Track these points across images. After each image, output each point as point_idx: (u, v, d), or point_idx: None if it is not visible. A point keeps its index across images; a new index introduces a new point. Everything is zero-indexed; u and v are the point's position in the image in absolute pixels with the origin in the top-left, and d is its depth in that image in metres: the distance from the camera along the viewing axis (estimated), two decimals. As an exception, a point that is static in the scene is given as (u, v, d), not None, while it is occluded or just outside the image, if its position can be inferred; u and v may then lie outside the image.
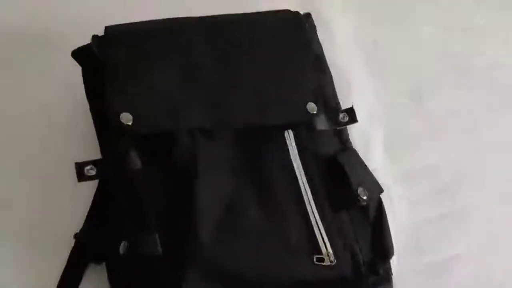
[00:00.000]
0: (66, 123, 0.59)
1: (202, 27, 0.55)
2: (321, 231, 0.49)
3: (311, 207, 0.50)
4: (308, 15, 0.60)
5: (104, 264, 0.50)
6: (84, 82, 0.54)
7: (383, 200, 0.54)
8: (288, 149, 0.52)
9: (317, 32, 0.60)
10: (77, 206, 0.53)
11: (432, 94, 0.68)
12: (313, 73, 0.57)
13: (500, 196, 0.63)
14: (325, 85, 0.58)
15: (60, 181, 0.55)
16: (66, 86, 0.60)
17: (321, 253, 0.48)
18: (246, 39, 0.55)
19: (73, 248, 0.52)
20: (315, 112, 0.53)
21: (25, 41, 0.65)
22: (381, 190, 0.54)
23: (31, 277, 0.52)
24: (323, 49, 0.60)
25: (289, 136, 0.53)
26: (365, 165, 0.55)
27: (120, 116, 0.48)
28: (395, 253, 0.52)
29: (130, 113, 0.48)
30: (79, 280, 0.52)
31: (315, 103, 0.54)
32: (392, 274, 0.52)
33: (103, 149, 0.51)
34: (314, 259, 0.48)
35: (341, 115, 0.56)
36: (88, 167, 0.48)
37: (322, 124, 0.55)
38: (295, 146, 0.52)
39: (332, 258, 0.48)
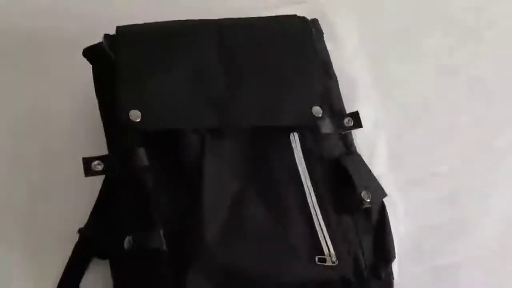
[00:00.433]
0: (72, 121, 0.60)
1: (212, 29, 0.55)
2: (324, 232, 0.49)
3: (315, 209, 0.50)
4: (315, 21, 0.61)
5: (107, 260, 0.51)
6: (94, 80, 0.54)
7: (386, 206, 0.54)
8: (293, 152, 0.53)
9: (324, 38, 0.61)
10: (82, 202, 0.53)
11: (437, 103, 0.68)
12: (319, 77, 0.57)
13: (503, 204, 0.63)
14: (331, 89, 0.58)
15: (66, 177, 0.56)
16: (72, 85, 0.61)
17: (323, 253, 0.49)
18: (254, 43, 0.56)
19: (77, 242, 0.52)
20: (320, 116, 0.54)
21: (28, 39, 0.65)
22: (385, 194, 0.54)
23: (34, 271, 0.53)
24: (330, 55, 0.61)
25: (294, 139, 0.53)
26: (369, 169, 0.55)
27: (129, 113, 0.49)
28: (396, 258, 0.53)
29: (139, 110, 0.49)
30: (81, 275, 0.52)
31: (320, 106, 0.54)
32: (393, 278, 0.52)
33: (110, 146, 0.52)
34: (316, 259, 0.48)
35: (346, 119, 0.57)
36: (96, 163, 0.49)
37: (327, 127, 0.55)
38: (300, 149, 0.53)
39: (334, 258, 0.49)
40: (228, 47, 0.55)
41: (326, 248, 0.49)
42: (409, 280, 0.55)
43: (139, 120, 0.49)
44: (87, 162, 0.49)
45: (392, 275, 0.52)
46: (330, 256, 0.49)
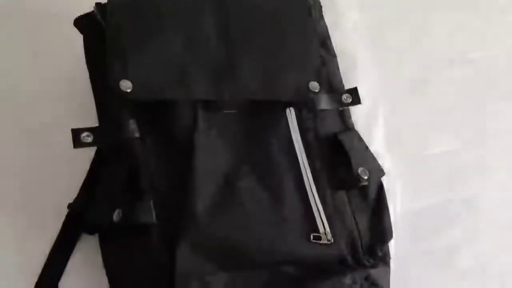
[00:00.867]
0: (64, 93, 0.59)
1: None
2: (319, 210, 0.48)
3: (310, 185, 0.49)
4: (314, -6, 0.59)
5: (97, 235, 0.50)
6: (85, 50, 0.53)
7: (384, 184, 0.53)
8: (289, 127, 0.51)
9: (324, 14, 0.60)
10: (73, 176, 0.52)
11: (436, 82, 0.67)
12: (318, 52, 0.56)
13: (503, 184, 0.62)
14: (329, 65, 0.57)
15: (56, 150, 0.55)
16: (66, 56, 0.59)
17: (318, 231, 0.48)
18: (252, 16, 0.55)
19: (66, 217, 0.51)
20: (317, 91, 0.53)
21: (23, 13, 0.64)
22: (382, 173, 0.53)
23: (23, 245, 0.52)
24: (329, 30, 0.59)
25: (291, 114, 0.52)
26: (367, 147, 0.54)
27: (120, 83, 0.47)
28: (393, 238, 0.51)
29: (130, 80, 0.48)
30: (71, 249, 0.51)
31: (317, 82, 0.53)
32: (390, 258, 0.51)
33: (100, 117, 0.50)
34: (311, 237, 0.47)
35: (344, 96, 0.56)
36: (85, 134, 0.48)
37: (324, 103, 0.54)
38: (296, 124, 0.52)
39: (329, 236, 0.48)
40: (226, 18, 0.53)
41: (322, 226, 0.48)
42: (405, 261, 0.55)
43: (129, 90, 0.48)
44: (76, 133, 0.48)
45: (389, 255, 0.51)
46: (325, 234, 0.48)
